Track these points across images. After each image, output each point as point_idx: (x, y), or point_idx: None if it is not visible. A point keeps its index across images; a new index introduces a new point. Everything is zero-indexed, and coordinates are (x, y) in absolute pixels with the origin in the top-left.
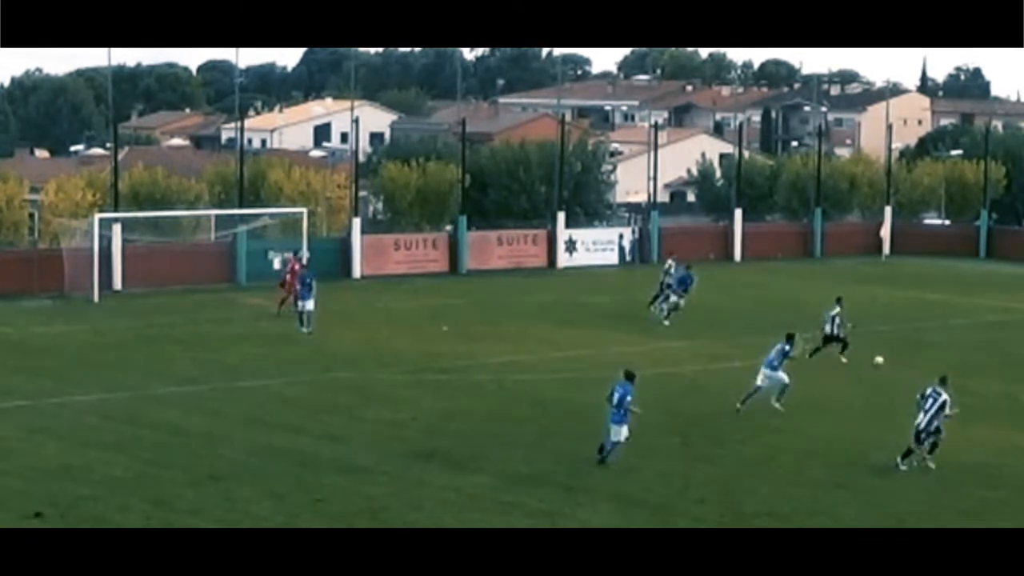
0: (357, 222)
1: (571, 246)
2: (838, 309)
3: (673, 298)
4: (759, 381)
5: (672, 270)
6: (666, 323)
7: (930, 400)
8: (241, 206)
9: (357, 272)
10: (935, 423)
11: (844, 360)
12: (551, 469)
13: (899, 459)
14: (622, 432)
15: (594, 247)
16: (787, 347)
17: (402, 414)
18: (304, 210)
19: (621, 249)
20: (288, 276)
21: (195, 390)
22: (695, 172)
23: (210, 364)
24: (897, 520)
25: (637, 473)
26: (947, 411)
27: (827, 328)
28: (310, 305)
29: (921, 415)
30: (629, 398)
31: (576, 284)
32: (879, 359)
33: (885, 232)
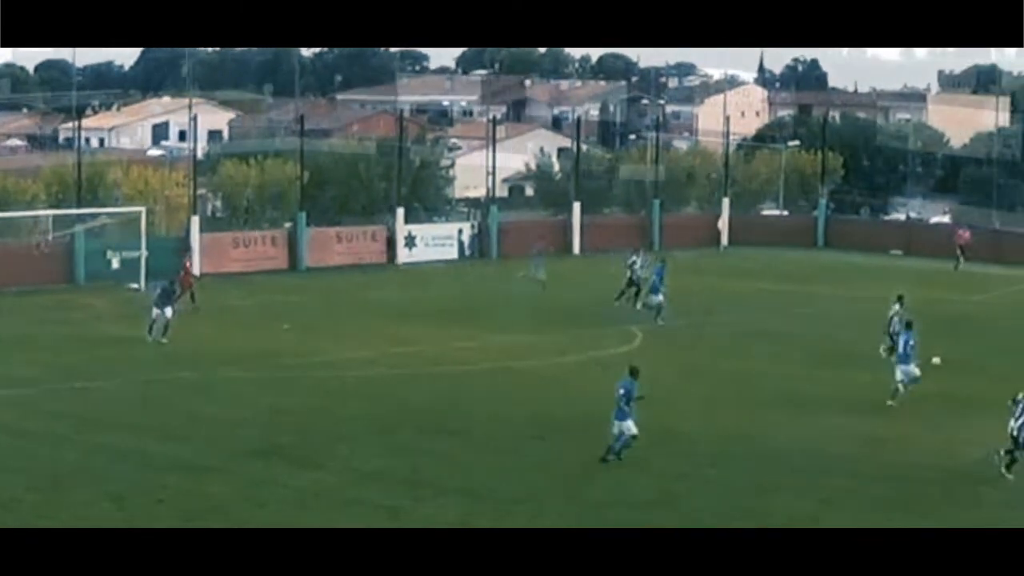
0: (196, 220)
1: (411, 242)
2: (897, 307)
3: (655, 298)
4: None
5: (637, 265)
6: (660, 322)
7: (1020, 406)
8: (79, 206)
9: (196, 270)
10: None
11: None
12: (392, 464)
13: (1003, 469)
14: (630, 427)
15: (433, 243)
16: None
17: (243, 412)
18: (142, 209)
19: (460, 244)
20: (183, 275)
21: (33, 392)
22: (533, 167)
23: (48, 366)
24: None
25: (477, 467)
26: None
27: (893, 327)
28: (168, 313)
29: (1012, 421)
30: (633, 393)
31: (416, 280)
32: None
33: (723, 223)
